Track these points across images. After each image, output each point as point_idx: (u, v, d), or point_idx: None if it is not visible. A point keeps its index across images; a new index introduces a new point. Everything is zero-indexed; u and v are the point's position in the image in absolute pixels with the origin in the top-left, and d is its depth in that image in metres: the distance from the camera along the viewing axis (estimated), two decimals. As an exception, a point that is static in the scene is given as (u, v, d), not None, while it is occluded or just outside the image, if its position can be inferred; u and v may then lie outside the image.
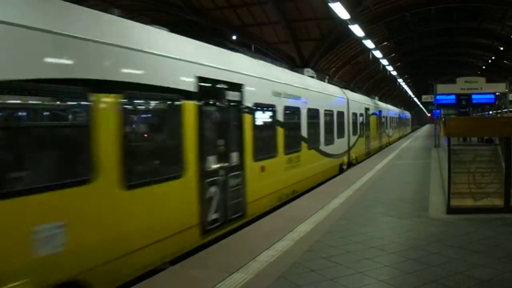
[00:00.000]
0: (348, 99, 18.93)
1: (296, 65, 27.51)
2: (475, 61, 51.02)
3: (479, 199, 8.61)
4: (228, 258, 6.05)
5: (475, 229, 7.23)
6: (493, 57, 43.92)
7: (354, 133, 19.67)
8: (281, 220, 8.20)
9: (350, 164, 18.28)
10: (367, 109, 23.66)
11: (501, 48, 38.66)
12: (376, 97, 32.80)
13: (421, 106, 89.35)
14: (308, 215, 8.48)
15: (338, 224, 7.83)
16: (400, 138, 40.82)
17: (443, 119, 18.57)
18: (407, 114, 51.43)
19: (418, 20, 33.31)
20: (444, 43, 41.49)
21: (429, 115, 70.05)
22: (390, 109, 36.55)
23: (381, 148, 27.83)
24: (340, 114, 17.16)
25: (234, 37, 28.06)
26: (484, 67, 49.97)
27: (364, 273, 5.35)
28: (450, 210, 8.32)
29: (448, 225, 7.53)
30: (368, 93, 39.56)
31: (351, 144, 18.79)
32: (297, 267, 5.60)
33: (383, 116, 30.40)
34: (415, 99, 75.81)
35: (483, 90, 19.75)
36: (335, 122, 16.20)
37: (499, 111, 28.05)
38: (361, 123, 21.63)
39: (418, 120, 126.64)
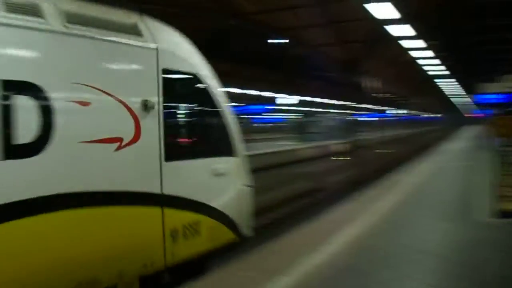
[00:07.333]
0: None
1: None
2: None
3: (528, 202, 8.44)
4: (275, 260, 6.10)
5: (524, 233, 7.11)
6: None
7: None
8: (325, 224, 8.30)
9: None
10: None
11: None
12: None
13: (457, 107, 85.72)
14: (351, 219, 8.53)
15: (382, 227, 7.87)
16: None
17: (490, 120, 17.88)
18: None
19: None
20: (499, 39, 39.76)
21: (466, 115, 66.83)
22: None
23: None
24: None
25: (276, 41, 28.00)
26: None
27: (411, 276, 5.39)
28: (498, 213, 8.18)
29: (495, 228, 7.43)
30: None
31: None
32: (343, 270, 5.65)
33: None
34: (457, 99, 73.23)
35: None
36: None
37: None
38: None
39: (459, 120, 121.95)
